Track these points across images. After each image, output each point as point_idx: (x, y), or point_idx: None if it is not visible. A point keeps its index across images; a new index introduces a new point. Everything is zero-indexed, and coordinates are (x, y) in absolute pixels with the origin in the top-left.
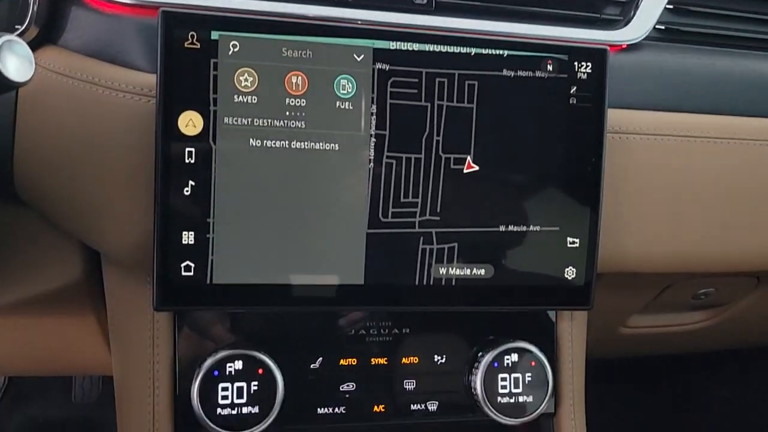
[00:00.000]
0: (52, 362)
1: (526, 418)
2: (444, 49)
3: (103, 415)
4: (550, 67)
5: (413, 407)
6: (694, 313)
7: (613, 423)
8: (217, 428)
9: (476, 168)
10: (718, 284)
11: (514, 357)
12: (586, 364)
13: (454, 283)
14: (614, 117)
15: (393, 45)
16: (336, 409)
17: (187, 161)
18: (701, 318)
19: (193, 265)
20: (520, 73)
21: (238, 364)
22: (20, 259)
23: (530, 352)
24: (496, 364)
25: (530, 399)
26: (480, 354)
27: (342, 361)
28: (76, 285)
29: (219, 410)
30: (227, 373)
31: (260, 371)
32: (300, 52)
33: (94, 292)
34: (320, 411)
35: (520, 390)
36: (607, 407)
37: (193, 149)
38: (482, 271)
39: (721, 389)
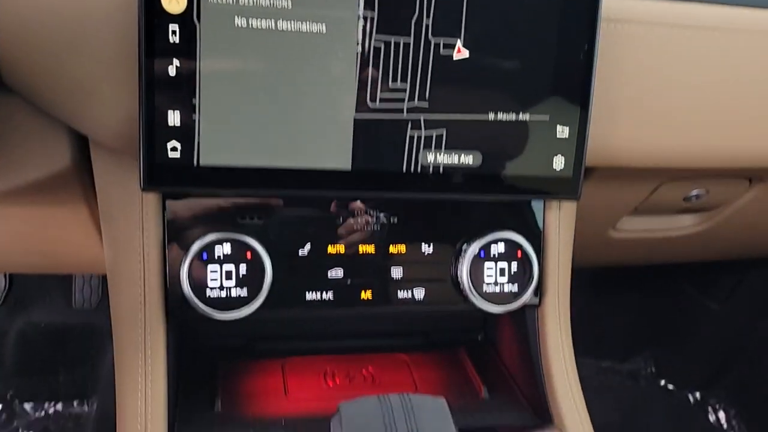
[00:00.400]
0: (48, 257)
1: (510, 306)
2: None
3: (102, 320)
4: None
5: (400, 295)
6: (685, 217)
7: (597, 327)
8: (206, 308)
9: (466, 54)
10: (709, 185)
11: (501, 247)
12: (576, 272)
13: (441, 170)
14: (609, 4)
15: None
16: (323, 295)
17: (171, 40)
18: (692, 222)
19: (179, 146)
20: None
21: (227, 248)
22: (8, 147)
23: (516, 242)
24: (482, 254)
25: (515, 288)
26: (466, 244)
27: (330, 249)
28: (65, 173)
29: (208, 292)
30: (216, 256)
31: (248, 255)
32: None
33: (84, 181)
34: (308, 296)
35: (505, 280)
36: (594, 313)
37: (176, 27)
38: (470, 159)
39: (711, 302)
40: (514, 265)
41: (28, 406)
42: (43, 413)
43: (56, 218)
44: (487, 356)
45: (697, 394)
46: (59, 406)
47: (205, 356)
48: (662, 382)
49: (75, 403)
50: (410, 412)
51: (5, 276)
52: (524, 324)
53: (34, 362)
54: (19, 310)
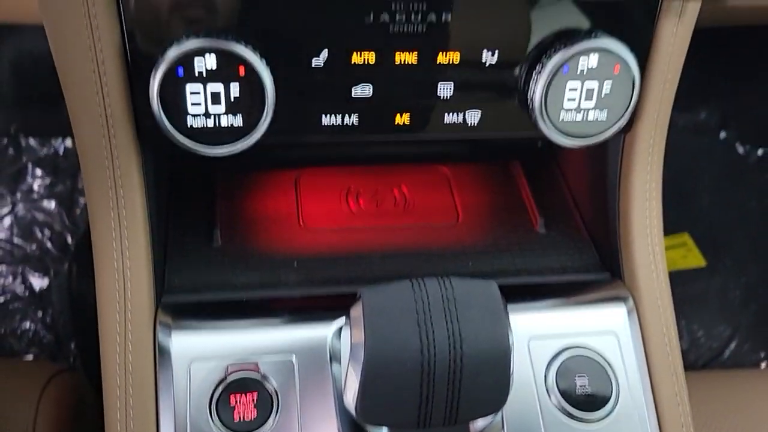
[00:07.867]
0: None
1: (592, 140)
2: None
3: None
4: None
5: (448, 119)
6: None
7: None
8: (188, 141)
9: None
10: None
11: (593, 61)
12: None
13: None
14: None
15: None
16: (346, 119)
17: None
18: None
19: None
20: None
21: (211, 61)
22: None
23: (616, 54)
24: (566, 69)
25: (603, 116)
26: (546, 52)
27: (355, 57)
28: None
29: (189, 120)
30: (197, 72)
31: (241, 70)
32: None
33: None
34: (325, 121)
35: (592, 104)
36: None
37: None
38: None
39: None
40: (607, 84)
41: (33, 141)
42: (52, 150)
43: None
44: (548, 175)
45: (760, 152)
46: (68, 143)
47: (200, 170)
48: (723, 135)
49: None
50: (451, 304)
51: None
52: (604, 148)
53: (33, 94)
54: (6, 34)
